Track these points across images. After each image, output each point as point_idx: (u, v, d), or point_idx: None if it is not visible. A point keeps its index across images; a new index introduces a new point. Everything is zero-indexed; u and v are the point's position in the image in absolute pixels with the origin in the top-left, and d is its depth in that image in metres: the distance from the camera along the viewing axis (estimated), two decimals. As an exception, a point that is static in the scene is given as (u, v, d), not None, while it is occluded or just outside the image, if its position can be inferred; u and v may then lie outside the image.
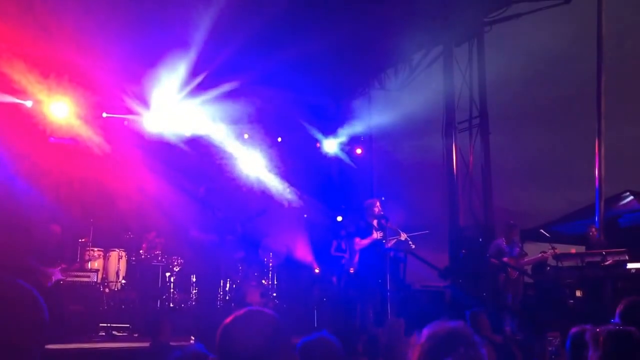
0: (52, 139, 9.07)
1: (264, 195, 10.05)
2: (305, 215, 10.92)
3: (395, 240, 8.00)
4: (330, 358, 2.33)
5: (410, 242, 8.04)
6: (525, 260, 8.67)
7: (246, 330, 1.66)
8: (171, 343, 5.65)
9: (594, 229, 8.67)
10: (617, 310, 3.34)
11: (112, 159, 9.14)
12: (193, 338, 6.59)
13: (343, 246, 10.22)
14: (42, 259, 7.47)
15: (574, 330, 2.61)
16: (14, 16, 7.68)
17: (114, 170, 9.17)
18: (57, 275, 7.54)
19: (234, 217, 8.93)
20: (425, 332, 1.92)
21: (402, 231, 8.00)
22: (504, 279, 8.50)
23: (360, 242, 8.19)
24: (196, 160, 9.83)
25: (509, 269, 8.40)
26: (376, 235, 7.99)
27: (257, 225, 9.41)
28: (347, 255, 8.58)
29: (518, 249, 8.66)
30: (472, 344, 1.83)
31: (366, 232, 8.14)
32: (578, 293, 8.38)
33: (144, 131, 9.64)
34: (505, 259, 8.42)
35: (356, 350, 6.37)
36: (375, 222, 8.10)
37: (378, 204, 8.12)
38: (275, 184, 10.14)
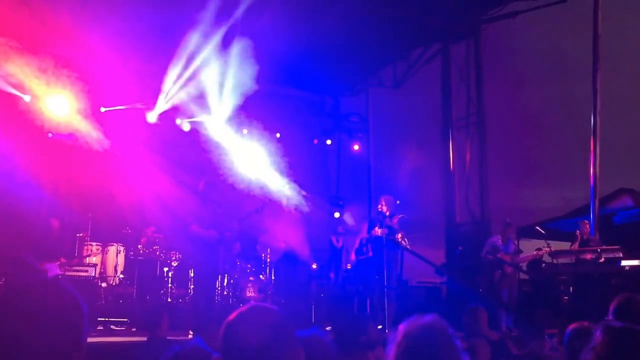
0: (50, 134, 9.05)
1: (262, 191, 10.06)
2: (303, 210, 10.94)
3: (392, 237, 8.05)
4: (322, 355, 2.34)
5: (405, 241, 8.06)
6: (520, 257, 8.75)
7: (250, 326, 1.64)
8: (169, 337, 5.67)
9: (587, 226, 8.65)
10: (611, 307, 3.39)
11: (111, 153, 9.13)
12: (191, 332, 6.62)
13: (340, 242, 10.29)
14: (40, 254, 7.47)
15: (572, 326, 2.63)
16: (10, 9, 7.65)
17: (112, 165, 9.17)
18: (55, 270, 7.53)
19: (234, 212, 8.95)
20: (402, 329, 1.87)
21: (402, 231, 8.03)
22: (499, 276, 8.58)
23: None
24: (196, 154, 9.83)
25: (504, 265, 8.47)
26: (377, 232, 8.04)
27: (255, 221, 9.43)
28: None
29: (513, 247, 8.74)
30: (449, 344, 1.82)
31: (368, 228, 8.21)
32: (572, 290, 8.44)
33: (143, 126, 9.63)
34: (500, 255, 8.50)
35: (353, 346, 6.40)
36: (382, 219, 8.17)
37: (383, 201, 8.17)
38: (274, 180, 10.16)
